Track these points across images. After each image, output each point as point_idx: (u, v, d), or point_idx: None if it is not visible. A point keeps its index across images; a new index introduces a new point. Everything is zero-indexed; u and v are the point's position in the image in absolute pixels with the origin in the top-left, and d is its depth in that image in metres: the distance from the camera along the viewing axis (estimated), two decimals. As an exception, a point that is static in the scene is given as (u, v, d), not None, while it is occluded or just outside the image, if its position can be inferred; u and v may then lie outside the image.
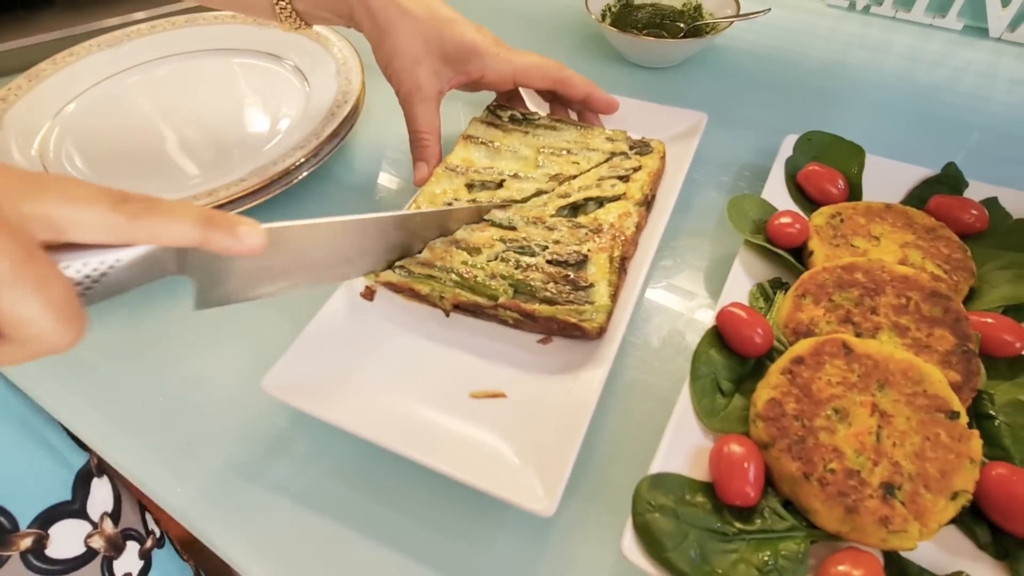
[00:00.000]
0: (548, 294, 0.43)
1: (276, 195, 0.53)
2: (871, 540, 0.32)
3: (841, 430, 0.34)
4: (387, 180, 0.60)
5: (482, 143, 0.55)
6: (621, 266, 0.46)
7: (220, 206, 0.50)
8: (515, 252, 0.46)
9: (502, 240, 0.47)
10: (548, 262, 0.45)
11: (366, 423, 0.37)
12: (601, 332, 0.42)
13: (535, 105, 0.60)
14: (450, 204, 0.50)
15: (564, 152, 0.54)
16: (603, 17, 0.72)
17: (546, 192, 0.51)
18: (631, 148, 0.54)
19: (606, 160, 0.53)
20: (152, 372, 0.45)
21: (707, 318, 0.42)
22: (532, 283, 0.44)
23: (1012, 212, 0.48)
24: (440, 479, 0.35)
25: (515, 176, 0.52)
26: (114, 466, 0.41)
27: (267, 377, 0.38)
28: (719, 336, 0.41)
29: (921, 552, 0.32)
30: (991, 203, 0.48)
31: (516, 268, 0.45)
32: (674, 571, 0.31)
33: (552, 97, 0.58)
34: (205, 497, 0.39)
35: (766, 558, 0.31)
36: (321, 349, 0.42)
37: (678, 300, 0.48)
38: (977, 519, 0.33)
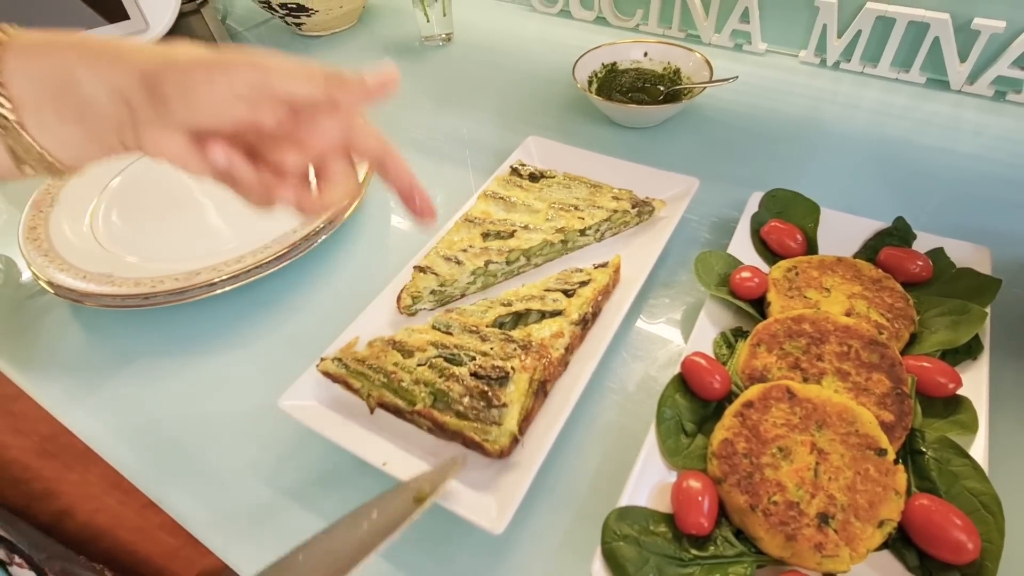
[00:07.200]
0: (461, 407, 0.43)
1: (300, 256, 0.60)
2: (808, 564, 0.36)
3: (784, 466, 0.39)
4: (398, 223, 0.69)
5: (500, 198, 0.62)
6: (541, 388, 0.46)
7: (247, 271, 0.57)
8: (444, 359, 0.47)
9: (435, 345, 0.48)
10: (472, 374, 0.45)
11: (361, 444, 0.44)
12: (503, 454, 0.42)
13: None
14: (465, 251, 0.56)
15: (572, 208, 0.60)
16: (589, 83, 0.79)
17: (551, 243, 0.58)
18: (633, 207, 0.60)
19: (607, 218, 0.59)
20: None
21: (678, 364, 0.47)
22: (451, 394, 0.44)
23: (956, 261, 0.53)
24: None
25: (525, 227, 0.58)
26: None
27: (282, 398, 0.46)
28: (683, 382, 0.46)
29: (858, 574, 0.37)
30: (937, 253, 0.53)
31: (440, 376, 0.45)
32: (635, 592, 0.36)
33: None
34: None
35: (716, 580, 0.36)
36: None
37: (653, 348, 0.54)
38: (907, 545, 0.37)
